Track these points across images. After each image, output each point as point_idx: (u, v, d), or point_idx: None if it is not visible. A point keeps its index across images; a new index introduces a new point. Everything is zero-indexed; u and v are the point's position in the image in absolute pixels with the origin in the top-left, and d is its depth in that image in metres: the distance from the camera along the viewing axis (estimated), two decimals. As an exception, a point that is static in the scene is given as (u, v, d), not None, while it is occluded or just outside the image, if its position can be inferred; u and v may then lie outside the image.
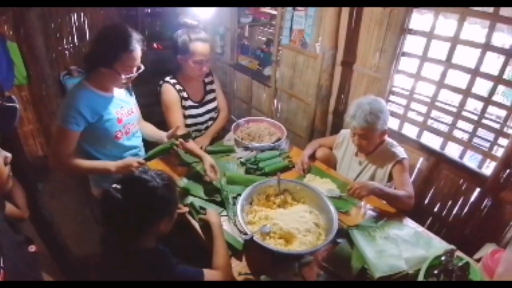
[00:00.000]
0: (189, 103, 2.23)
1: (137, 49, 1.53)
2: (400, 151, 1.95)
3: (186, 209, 1.65)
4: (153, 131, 1.97)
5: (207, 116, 2.35)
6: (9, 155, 0.98)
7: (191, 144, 1.92)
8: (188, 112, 2.24)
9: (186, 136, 1.78)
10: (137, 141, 1.86)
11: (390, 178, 1.94)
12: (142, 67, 1.61)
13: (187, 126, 2.25)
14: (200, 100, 2.30)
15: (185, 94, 2.20)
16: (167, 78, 2.19)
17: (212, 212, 1.57)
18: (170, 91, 2.15)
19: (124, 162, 1.62)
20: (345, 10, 2.36)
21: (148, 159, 1.70)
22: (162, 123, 2.45)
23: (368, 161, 2.02)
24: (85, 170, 1.68)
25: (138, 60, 1.57)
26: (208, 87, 2.35)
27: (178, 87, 2.17)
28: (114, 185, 1.09)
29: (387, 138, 2.00)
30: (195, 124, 2.31)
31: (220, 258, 1.36)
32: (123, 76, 1.55)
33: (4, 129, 0.88)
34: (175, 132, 1.75)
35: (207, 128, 2.39)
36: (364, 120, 1.81)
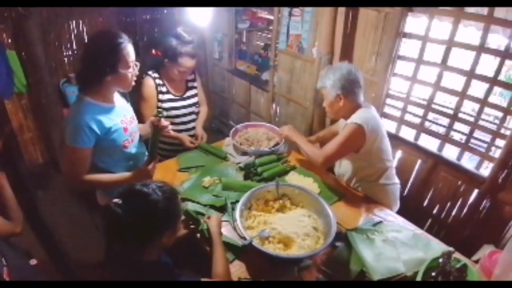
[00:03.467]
0: (169, 96, 2.38)
1: (126, 42, 1.52)
2: (358, 116, 1.80)
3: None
4: (140, 128, 1.92)
5: (190, 109, 2.50)
6: None
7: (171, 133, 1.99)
8: (170, 104, 2.39)
9: (159, 114, 1.72)
10: (142, 147, 1.86)
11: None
12: (138, 64, 1.60)
13: (172, 117, 2.39)
14: (182, 94, 2.45)
15: (163, 89, 2.36)
16: (150, 72, 2.33)
17: (213, 219, 1.56)
18: (149, 84, 2.30)
19: (142, 174, 1.60)
20: (341, 15, 2.38)
21: (153, 156, 1.67)
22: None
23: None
24: (105, 184, 1.64)
25: (133, 54, 1.56)
26: (190, 84, 2.50)
27: (158, 81, 2.33)
28: (114, 200, 1.08)
29: (362, 108, 1.87)
30: (178, 116, 2.44)
31: (219, 266, 1.36)
32: (129, 73, 1.54)
33: None
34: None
35: (190, 120, 2.51)
36: (320, 80, 1.93)
